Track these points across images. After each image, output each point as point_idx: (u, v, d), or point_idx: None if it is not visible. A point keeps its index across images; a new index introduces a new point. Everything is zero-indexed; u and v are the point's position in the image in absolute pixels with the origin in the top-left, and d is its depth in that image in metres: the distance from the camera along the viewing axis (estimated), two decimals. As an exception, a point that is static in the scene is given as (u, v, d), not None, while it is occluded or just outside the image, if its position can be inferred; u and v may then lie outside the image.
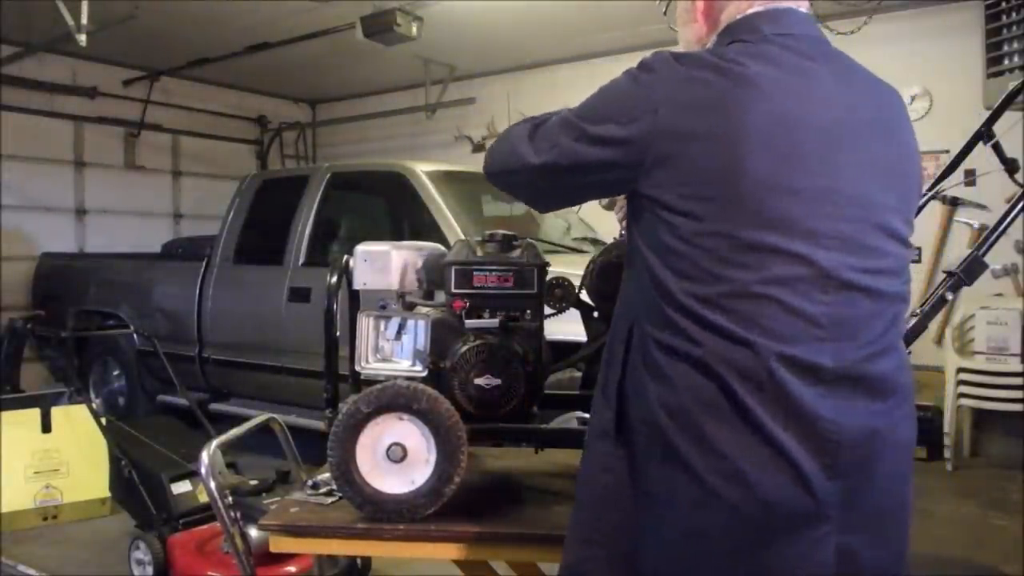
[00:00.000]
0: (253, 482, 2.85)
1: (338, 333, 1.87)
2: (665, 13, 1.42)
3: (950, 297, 1.99)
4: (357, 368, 1.72)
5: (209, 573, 2.86)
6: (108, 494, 3.68)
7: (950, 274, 1.97)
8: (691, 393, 1.08)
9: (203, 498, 3.15)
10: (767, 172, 1.06)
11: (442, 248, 1.88)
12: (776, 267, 1.06)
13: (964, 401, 4.76)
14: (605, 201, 1.59)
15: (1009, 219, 1.98)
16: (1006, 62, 4.50)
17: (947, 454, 4.72)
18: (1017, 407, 4.54)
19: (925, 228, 5.12)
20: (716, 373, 1.07)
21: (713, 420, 1.06)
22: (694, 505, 1.08)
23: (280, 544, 1.63)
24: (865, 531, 1.10)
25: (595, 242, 4.46)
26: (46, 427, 4.02)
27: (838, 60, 1.19)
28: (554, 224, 4.79)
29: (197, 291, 5.05)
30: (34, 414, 4.03)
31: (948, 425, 4.72)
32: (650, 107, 1.10)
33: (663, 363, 1.11)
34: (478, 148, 7.42)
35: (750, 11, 1.20)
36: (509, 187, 1.39)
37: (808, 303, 1.07)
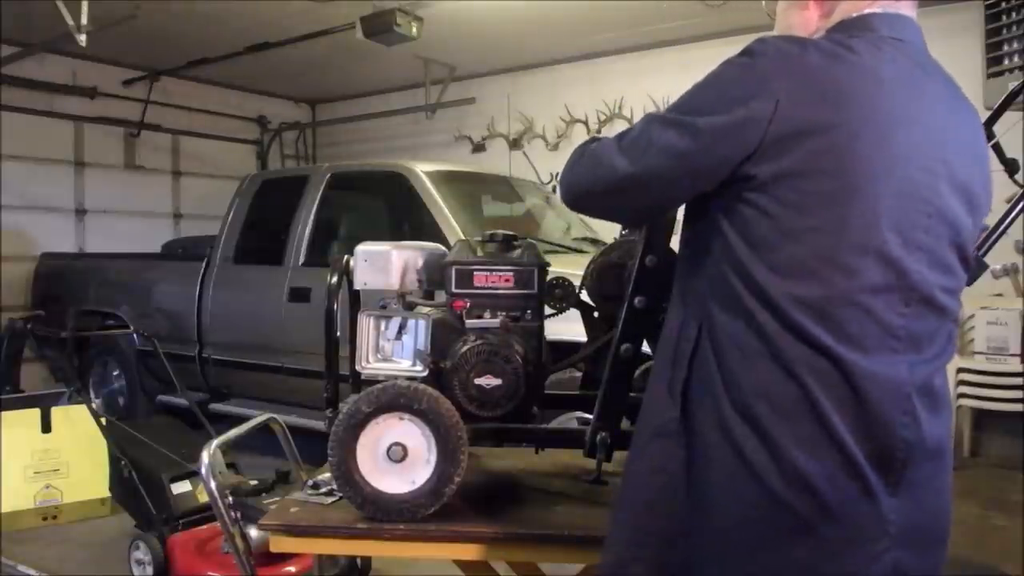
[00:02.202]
0: (253, 482, 2.85)
1: (338, 333, 1.87)
2: None
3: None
4: (357, 368, 1.72)
5: (209, 573, 2.86)
6: (108, 494, 3.68)
7: (950, 274, 1.97)
8: (768, 396, 1.05)
9: (203, 498, 3.14)
10: (881, 173, 1.04)
11: (442, 248, 1.88)
12: (875, 274, 1.05)
13: (964, 401, 4.76)
14: None
15: (1009, 219, 1.98)
16: (1006, 62, 4.50)
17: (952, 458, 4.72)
18: (1017, 407, 4.54)
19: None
20: (798, 378, 1.04)
21: (787, 425, 1.04)
22: (757, 509, 1.06)
23: (280, 544, 1.63)
24: (919, 545, 1.10)
25: (595, 242, 4.45)
26: (46, 427, 4.02)
27: (943, 75, 1.17)
28: (554, 224, 4.80)
29: (197, 291, 5.05)
30: (34, 414, 4.03)
31: (948, 425, 4.71)
32: (766, 93, 1.04)
33: (740, 364, 1.08)
34: (478, 148, 7.42)
35: (868, 10, 1.15)
36: (599, 207, 1.29)
37: (893, 315, 1.06)
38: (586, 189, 1.23)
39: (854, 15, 1.17)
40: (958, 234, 1.13)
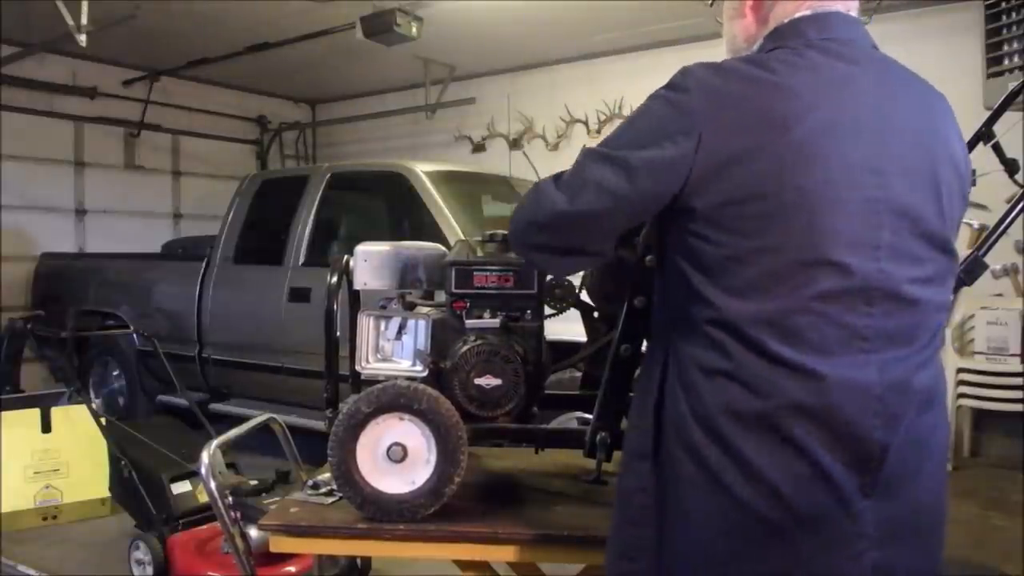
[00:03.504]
0: (253, 482, 2.86)
1: (338, 333, 1.87)
2: (712, 4, 1.37)
3: (950, 297, 1.98)
4: (357, 368, 1.72)
5: (209, 573, 2.86)
6: (108, 494, 3.68)
7: (950, 274, 1.96)
8: (731, 412, 1.07)
9: (203, 498, 3.15)
10: (815, 185, 1.05)
11: (442, 248, 1.88)
12: (825, 281, 1.05)
13: (964, 401, 4.76)
14: None
15: (1009, 219, 1.98)
16: (1006, 62, 4.50)
17: (947, 454, 4.72)
18: (1017, 407, 4.53)
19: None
20: (760, 392, 1.05)
21: (751, 438, 1.05)
22: (729, 524, 1.07)
23: (280, 544, 1.63)
24: (904, 545, 1.10)
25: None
26: (46, 427, 4.03)
27: (882, 64, 1.17)
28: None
29: (197, 291, 5.05)
30: (34, 414, 4.03)
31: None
32: (691, 129, 1.06)
33: (702, 383, 1.09)
34: (478, 148, 7.42)
35: (797, 14, 1.17)
36: (536, 244, 1.24)
37: (855, 316, 1.06)
38: (527, 222, 1.23)
39: (786, 20, 1.18)
40: (921, 223, 1.11)
